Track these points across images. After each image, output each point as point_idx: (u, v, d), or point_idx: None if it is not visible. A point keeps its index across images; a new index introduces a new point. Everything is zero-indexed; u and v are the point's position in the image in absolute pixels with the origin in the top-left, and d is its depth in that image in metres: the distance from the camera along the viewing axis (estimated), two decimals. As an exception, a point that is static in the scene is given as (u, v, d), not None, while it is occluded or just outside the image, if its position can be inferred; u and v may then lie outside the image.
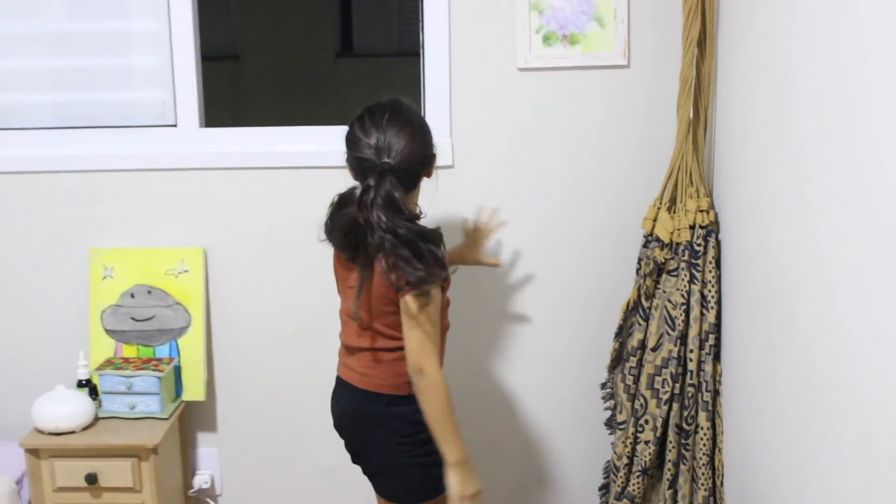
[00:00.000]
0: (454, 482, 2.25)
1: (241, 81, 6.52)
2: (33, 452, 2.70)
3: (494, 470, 3.05)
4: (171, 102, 2.92)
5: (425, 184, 2.34)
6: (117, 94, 3.00)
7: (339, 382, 2.45)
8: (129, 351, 2.92)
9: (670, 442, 2.70)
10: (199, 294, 2.91)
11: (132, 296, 2.92)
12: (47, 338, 3.01)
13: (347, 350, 2.41)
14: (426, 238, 2.22)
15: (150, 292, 2.92)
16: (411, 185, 2.27)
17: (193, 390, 2.92)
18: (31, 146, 2.94)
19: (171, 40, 2.88)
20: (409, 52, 3.06)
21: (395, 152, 2.21)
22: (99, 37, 2.96)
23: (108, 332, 2.93)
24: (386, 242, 2.16)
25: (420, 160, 2.28)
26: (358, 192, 2.21)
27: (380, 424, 2.35)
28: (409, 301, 2.21)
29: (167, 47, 2.89)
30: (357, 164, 2.25)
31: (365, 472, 2.46)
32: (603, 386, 2.91)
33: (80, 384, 2.84)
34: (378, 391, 2.34)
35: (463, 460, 2.26)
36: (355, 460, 2.46)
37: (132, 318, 2.92)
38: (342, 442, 2.45)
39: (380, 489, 2.46)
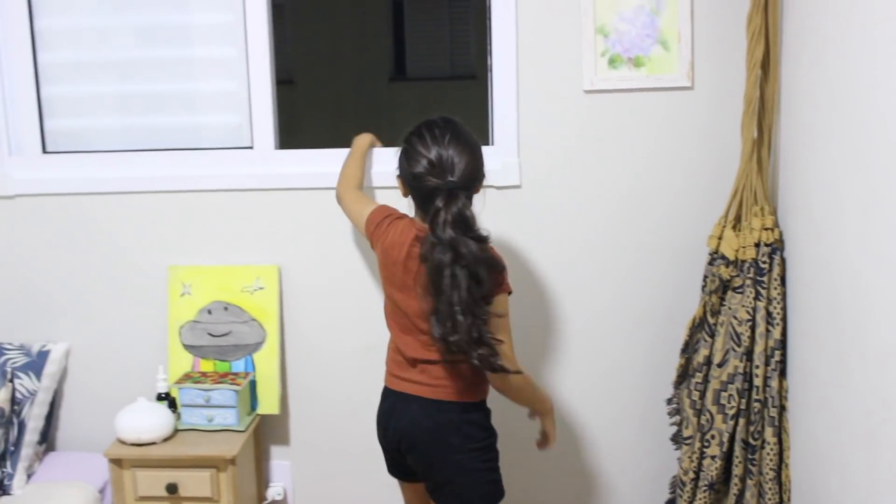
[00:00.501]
0: (551, 425, 2.57)
1: (296, 105, 6.63)
2: (116, 462, 2.80)
3: (558, 485, 3.10)
4: (248, 125, 3.03)
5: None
6: (195, 118, 3.12)
7: (400, 397, 2.47)
8: (206, 365, 3.01)
9: (737, 457, 2.72)
10: (273, 310, 3.01)
11: (209, 312, 3.02)
12: (128, 352, 3.11)
13: (410, 363, 2.44)
14: (488, 264, 2.28)
15: (226, 309, 3.02)
16: (469, 203, 2.33)
17: (268, 404, 3.01)
18: (114, 168, 3.07)
19: (248, 65, 2.99)
20: (461, 75, 3.12)
21: (457, 170, 2.28)
22: (180, 63, 3.09)
23: (185, 347, 3.03)
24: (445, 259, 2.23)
25: (478, 177, 2.37)
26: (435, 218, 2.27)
27: (455, 433, 2.40)
28: (501, 301, 2.31)
29: (244, 72, 3.00)
30: (414, 180, 2.32)
31: (430, 488, 2.48)
32: (669, 401, 2.94)
33: (160, 397, 2.94)
34: (452, 399, 2.40)
35: (553, 407, 2.57)
36: (424, 475, 2.48)
37: (209, 334, 3.02)
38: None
39: (449, 500, 2.48)
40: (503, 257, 2.40)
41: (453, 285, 2.24)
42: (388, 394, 2.51)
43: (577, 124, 2.90)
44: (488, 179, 2.85)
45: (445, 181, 2.27)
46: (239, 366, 3.01)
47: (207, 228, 3.05)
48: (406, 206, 2.49)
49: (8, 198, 3.07)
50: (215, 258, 3.05)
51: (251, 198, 3.02)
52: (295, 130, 6.00)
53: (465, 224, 2.26)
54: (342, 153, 2.98)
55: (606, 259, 2.97)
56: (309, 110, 6.43)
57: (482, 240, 2.29)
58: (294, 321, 3.05)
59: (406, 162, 2.36)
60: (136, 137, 3.13)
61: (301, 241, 3.01)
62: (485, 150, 2.87)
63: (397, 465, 2.56)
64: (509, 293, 2.40)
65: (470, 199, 2.33)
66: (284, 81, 6.41)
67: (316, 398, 3.10)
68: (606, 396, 3.05)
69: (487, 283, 2.27)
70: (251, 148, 3.04)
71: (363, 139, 2.88)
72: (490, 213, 2.91)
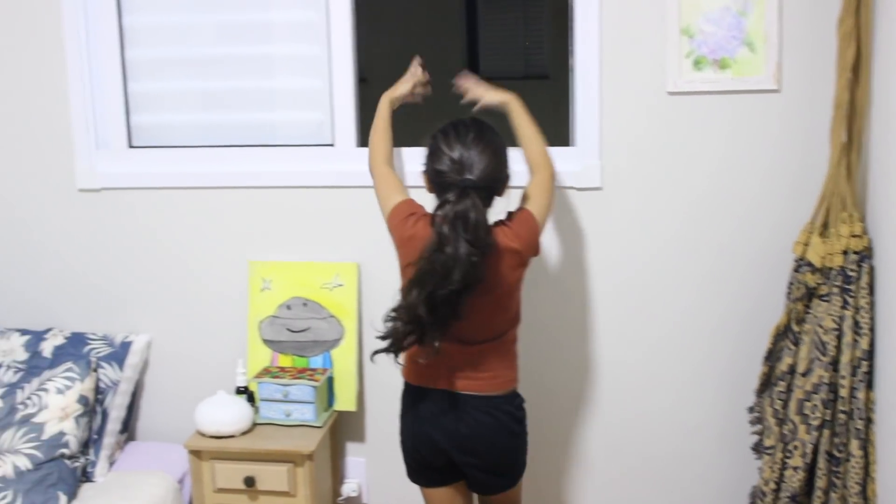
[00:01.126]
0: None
1: (369, 103, 6.67)
2: (196, 454, 2.83)
3: (637, 494, 3.07)
4: (329, 123, 3.04)
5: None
6: (276, 115, 3.15)
7: (453, 399, 2.46)
8: (285, 361, 3.04)
9: (820, 469, 2.66)
10: (352, 307, 3.02)
11: (288, 307, 3.05)
12: (209, 346, 3.16)
13: (449, 354, 2.40)
14: (471, 272, 2.26)
15: (305, 305, 3.04)
16: (488, 202, 2.36)
17: (345, 400, 3.02)
18: (197, 163, 3.11)
19: (331, 63, 3.00)
20: (534, 75, 3.09)
21: (476, 170, 2.31)
22: (262, 59, 3.12)
23: (265, 341, 3.05)
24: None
25: (499, 179, 2.40)
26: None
27: (515, 422, 2.48)
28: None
29: (326, 69, 3.02)
30: (436, 176, 2.37)
31: (477, 484, 2.54)
32: (750, 410, 2.89)
33: (239, 391, 2.97)
34: (507, 390, 2.48)
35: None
36: (477, 475, 2.50)
37: (288, 329, 3.04)
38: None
39: (504, 484, 2.54)
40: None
41: (423, 280, 2.27)
42: (439, 395, 2.48)
43: (660, 127, 2.86)
44: (569, 181, 2.86)
45: (462, 178, 2.30)
46: (317, 362, 3.03)
47: (288, 224, 3.07)
48: (431, 201, 2.48)
49: (94, 191, 3.13)
50: (295, 254, 3.07)
51: (332, 195, 3.03)
52: (368, 128, 6.03)
53: (465, 223, 2.26)
54: (421, 152, 2.98)
55: (688, 264, 2.92)
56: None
57: (478, 244, 2.27)
58: (372, 318, 3.05)
59: (430, 158, 2.41)
60: (219, 133, 3.16)
61: (381, 239, 3.00)
62: (564, 151, 2.89)
63: (429, 471, 2.56)
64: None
65: (488, 200, 2.36)
66: (358, 79, 6.45)
67: (393, 395, 3.07)
68: (685, 403, 3.01)
69: (454, 283, 2.24)
70: (332, 145, 3.05)
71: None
72: (569, 214, 2.91)
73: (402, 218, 2.48)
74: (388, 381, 3.08)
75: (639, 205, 2.91)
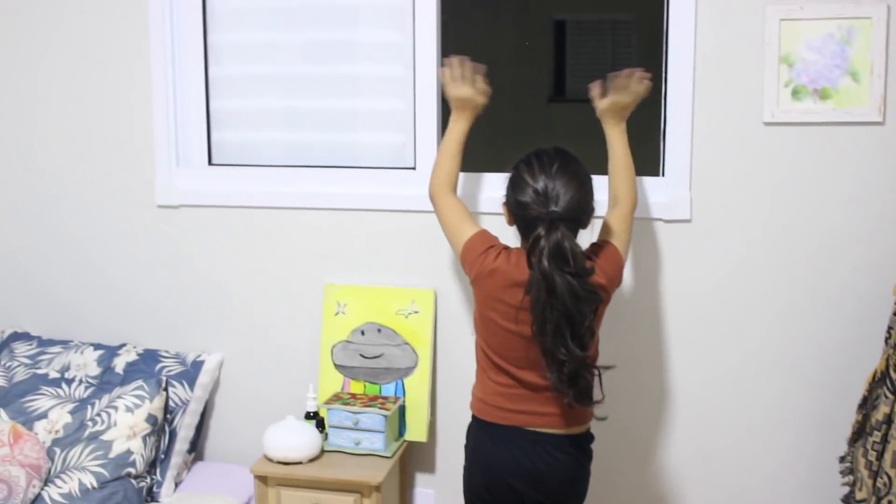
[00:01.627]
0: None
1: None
2: (262, 479, 2.77)
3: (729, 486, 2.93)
4: (412, 145, 2.97)
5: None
6: (358, 136, 3.09)
7: (531, 437, 2.37)
8: (356, 387, 2.97)
9: (917, 527, 2.50)
10: (427, 335, 2.94)
11: (362, 333, 2.98)
12: (280, 368, 3.10)
13: (534, 390, 2.35)
14: (590, 300, 2.24)
15: (379, 331, 2.97)
16: (574, 235, 2.27)
17: (416, 431, 2.94)
18: (277, 183, 3.06)
19: (415, 84, 2.94)
20: None
21: (562, 201, 2.23)
22: (345, 79, 3.06)
23: (337, 366, 2.99)
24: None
25: (585, 211, 2.32)
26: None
27: (588, 460, 2.44)
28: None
29: (410, 91, 2.95)
30: (519, 208, 2.30)
31: None
32: (842, 460, 2.73)
33: (308, 416, 2.91)
34: (586, 427, 2.42)
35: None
36: None
37: (361, 355, 2.97)
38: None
39: None
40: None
41: (546, 327, 2.22)
42: (514, 433, 2.39)
43: (755, 158, 2.73)
44: (656, 212, 2.75)
45: (548, 211, 2.22)
46: (389, 389, 2.95)
47: (365, 248, 3.01)
48: (512, 235, 2.43)
49: (173, 207, 3.11)
50: (371, 278, 3.01)
51: (411, 219, 2.96)
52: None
53: (563, 256, 2.19)
54: (502, 178, 2.89)
55: (779, 302, 2.77)
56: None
57: (583, 273, 2.21)
58: (447, 347, 2.97)
59: (513, 189, 2.34)
60: (300, 153, 3.12)
61: (458, 266, 2.93)
62: (653, 181, 2.78)
63: None
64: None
65: (575, 232, 2.28)
66: (442, 102, 6.40)
67: (465, 428, 3.00)
68: (769, 447, 2.84)
69: (588, 317, 2.24)
70: (414, 168, 2.98)
71: (458, 124, 2.67)
72: (657, 246, 2.79)
73: (480, 252, 2.40)
74: (460, 414, 2.98)
75: (729, 239, 2.77)
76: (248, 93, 3.13)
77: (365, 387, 2.97)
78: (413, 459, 3.06)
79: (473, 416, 2.48)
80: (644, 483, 2.92)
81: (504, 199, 2.37)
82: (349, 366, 2.98)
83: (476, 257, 2.40)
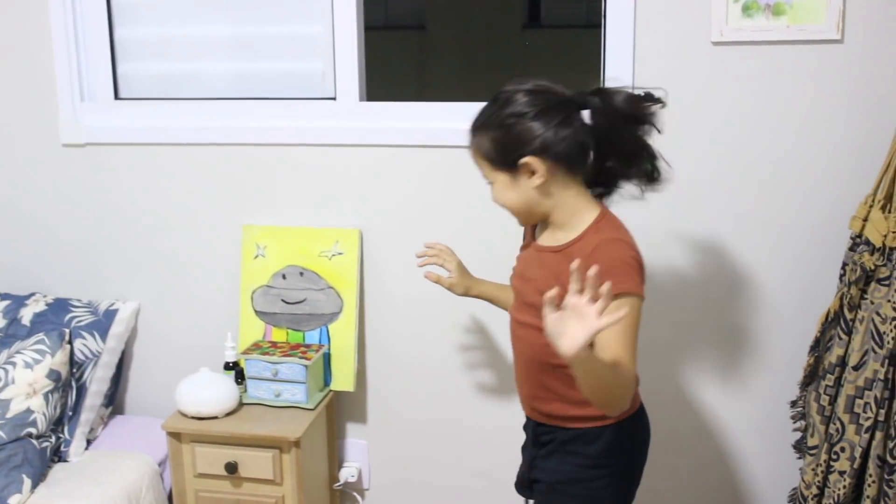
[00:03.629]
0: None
1: (427, 52, 6.33)
2: (175, 436, 2.54)
3: (669, 490, 2.71)
4: (331, 73, 2.69)
5: None
6: (275, 65, 2.79)
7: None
8: (279, 335, 2.72)
9: (870, 475, 2.28)
10: (352, 278, 2.69)
11: (283, 277, 2.73)
12: (199, 316, 2.85)
13: None
14: None
15: (301, 274, 2.72)
16: None
17: (343, 380, 2.70)
18: (188, 118, 2.77)
19: (333, 8, 2.64)
20: (597, 23, 2.79)
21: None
22: (261, 3, 2.75)
23: (257, 313, 2.74)
24: None
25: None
26: None
27: None
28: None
29: (328, 14, 2.65)
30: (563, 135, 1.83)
31: None
32: (793, 404, 2.51)
33: (227, 366, 2.67)
34: None
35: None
36: None
37: (283, 301, 2.73)
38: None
39: None
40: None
41: None
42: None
43: (703, 82, 2.45)
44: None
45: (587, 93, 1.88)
46: (313, 336, 2.71)
47: (285, 186, 2.74)
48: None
49: (79, 146, 2.82)
50: (292, 219, 2.74)
51: (333, 153, 2.69)
52: (427, 78, 5.69)
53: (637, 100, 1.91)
54: (434, 107, 2.62)
55: (733, 237, 2.53)
56: (440, 57, 6.11)
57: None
58: (374, 291, 2.72)
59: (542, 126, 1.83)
60: (213, 85, 2.82)
61: (385, 204, 2.67)
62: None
63: None
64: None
65: None
66: (415, 27, 6.11)
67: (396, 375, 2.78)
68: (722, 392, 2.63)
69: None
70: (334, 99, 2.70)
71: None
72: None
73: (640, 265, 1.86)
74: (391, 360, 2.77)
75: (675, 171, 2.51)
76: (153, 20, 2.81)
77: (288, 334, 2.72)
78: (343, 409, 2.83)
79: (636, 412, 2.03)
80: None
81: (530, 152, 1.83)
82: (270, 312, 2.73)
83: (643, 273, 1.86)
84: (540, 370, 1.91)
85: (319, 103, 2.71)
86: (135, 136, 2.78)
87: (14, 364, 2.52)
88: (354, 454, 2.85)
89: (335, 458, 2.81)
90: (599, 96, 1.87)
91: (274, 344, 2.67)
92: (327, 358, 2.69)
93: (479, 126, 1.89)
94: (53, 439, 2.57)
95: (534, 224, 1.98)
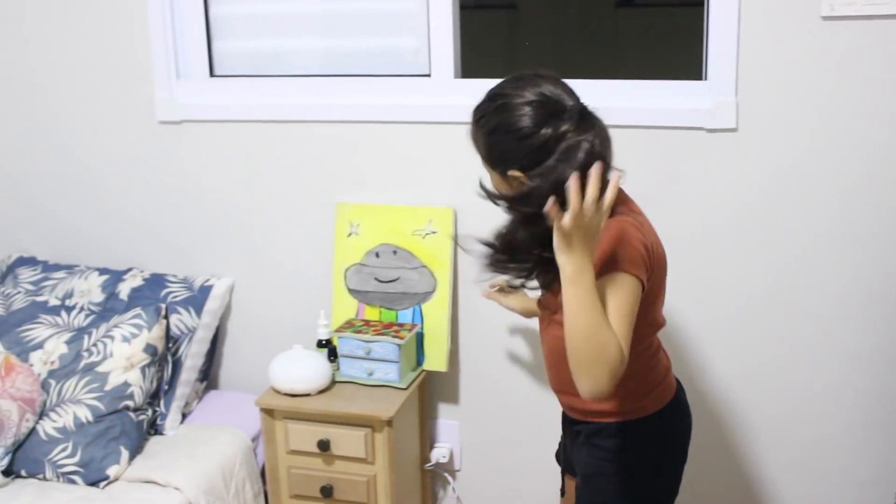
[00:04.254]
0: None
1: (518, 31, 6.21)
2: (268, 413, 2.53)
3: (773, 483, 2.62)
4: (426, 49, 2.63)
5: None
6: (371, 41, 2.75)
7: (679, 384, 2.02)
8: (371, 313, 2.70)
9: None
10: (446, 257, 2.64)
11: (377, 255, 2.70)
12: (292, 293, 2.83)
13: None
14: None
15: (395, 253, 2.69)
16: None
17: (435, 360, 2.66)
18: (284, 95, 2.75)
19: (428, -17, 2.59)
20: (690, 2, 2.68)
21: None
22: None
23: (350, 291, 2.72)
24: None
25: None
26: None
27: None
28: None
29: (424, -9, 2.61)
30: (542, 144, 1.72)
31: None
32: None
33: (320, 344, 2.65)
34: None
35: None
36: None
37: (376, 279, 2.69)
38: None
39: None
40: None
41: None
42: (678, 393, 1.99)
43: (812, 59, 2.33)
44: (697, 121, 2.44)
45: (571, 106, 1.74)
46: (406, 315, 2.67)
47: (379, 164, 2.70)
48: None
49: (175, 123, 2.82)
50: (386, 197, 2.70)
51: (427, 131, 2.63)
52: (518, 57, 5.59)
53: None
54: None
55: (837, 222, 2.40)
56: (531, 36, 6.00)
57: None
58: (467, 270, 2.66)
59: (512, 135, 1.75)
60: (308, 61, 2.80)
61: (478, 181, 2.60)
62: (695, 85, 2.46)
63: None
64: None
65: None
66: (506, 6, 6.00)
67: (490, 356, 2.72)
68: (834, 385, 2.51)
69: None
70: (429, 76, 2.65)
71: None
72: (696, 160, 2.44)
73: (646, 247, 1.76)
74: (482, 339, 2.72)
75: (780, 149, 2.40)
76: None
77: (381, 313, 2.69)
78: (436, 389, 2.79)
79: (664, 408, 1.94)
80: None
81: (518, 168, 1.75)
82: (363, 290, 2.70)
83: (647, 255, 1.75)
84: (564, 362, 1.71)
85: (414, 80, 2.67)
86: (229, 113, 2.77)
87: (112, 338, 2.53)
88: (446, 435, 2.81)
89: (427, 438, 2.78)
90: (596, 128, 1.74)
91: (367, 322, 2.64)
92: (420, 337, 2.65)
93: (474, 121, 1.83)
94: (150, 412, 2.59)
95: None
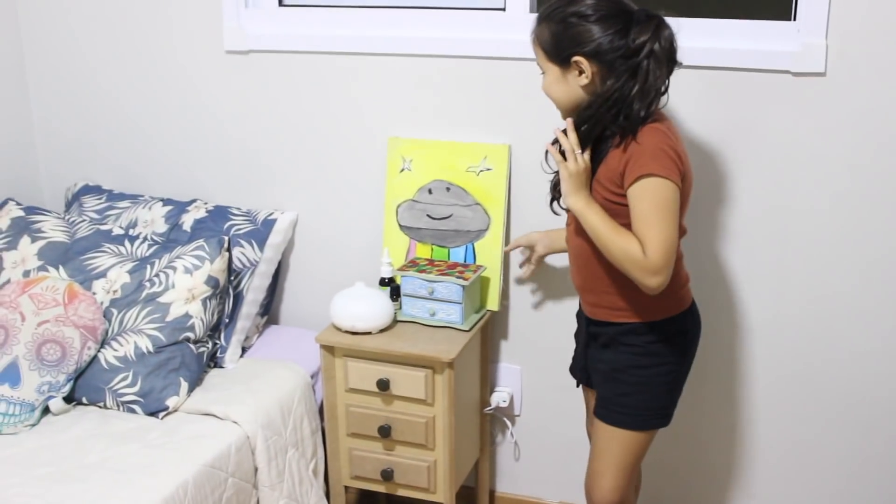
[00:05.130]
0: None
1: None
2: (328, 350, 2.48)
3: (820, 485, 2.53)
4: (501, -17, 2.52)
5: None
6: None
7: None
8: (423, 250, 2.62)
9: None
10: (500, 195, 2.55)
11: (430, 191, 2.61)
12: (350, 229, 2.77)
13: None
14: None
15: (448, 189, 2.60)
16: None
17: (489, 300, 2.59)
18: (350, 25, 2.65)
19: None
20: None
21: None
22: None
23: (402, 227, 2.64)
24: None
25: None
26: None
27: None
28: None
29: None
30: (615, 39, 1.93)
31: None
32: None
33: (383, 282, 2.59)
34: None
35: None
36: None
37: (428, 216, 2.61)
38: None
39: None
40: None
41: None
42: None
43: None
44: (783, 63, 2.30)
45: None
46: (458, 254, 2.60)
47: (434, 98, 2.60)
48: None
49: (242, 53, 2.74)
50: (440, 132, 2.61)
51: (498, 67, 2.52)
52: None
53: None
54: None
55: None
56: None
57: None
58: (521, 209, 2.57)
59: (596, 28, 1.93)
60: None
61: (535, 119, 2.49)
62: (782, 26, 2.33)
63: None
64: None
65: None
66: None
67: (544, 296, 2.64)
68: (888, 380, 2.40)
69: None
70: (503, 10, 2.54)
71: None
72: (781, 106, 2.31)
73: (680, 152, 1.94)
74: (535, 281, 2.63)
75: (871, 98, 2.25)
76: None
77: (432, 250, 2.62)
78: (498, 331, 2.72)
79: (687, 309, 2.11)
80: (740, 383, 2.53)
81: (582, 53, 1.92)
82: (415, 227, 2.63)
83: (679, 164, 1.91)
84: (594, 263, 2.03)
85: (488, 13, 2.55)
86: (298, 44, 2.68)
87: (174, 269, 2.50)
88: (507, 379, 2.74)
89: (487, 382, 2.71)
90: (658, 24, 1.90)
91: (431, 262, 2.57)
92: (483, 280, 2.58)
93: (543, 17, 1.99)
94: (210, 345, 2.56)
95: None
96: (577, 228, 2.04)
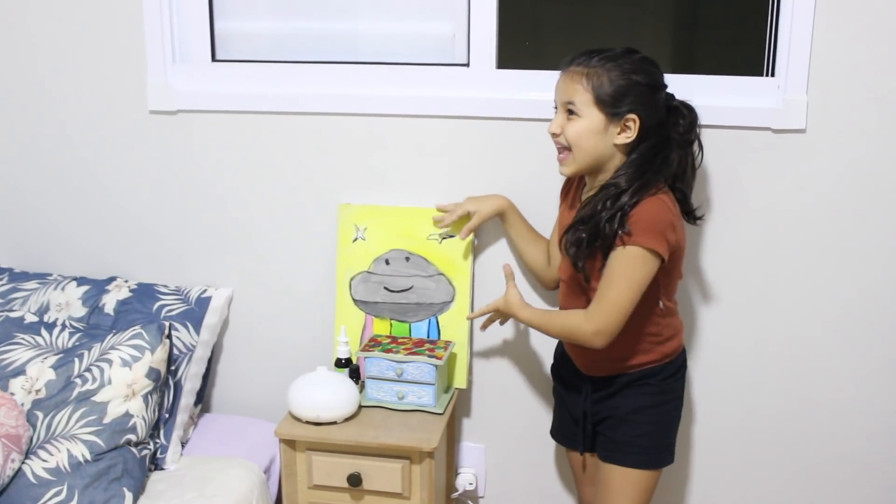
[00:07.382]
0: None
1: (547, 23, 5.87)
2: (289, 444, 2.18)
3: (799, 492, 2.42)
4: (464, 37, 2.32)
5: None
6: (397, 26, 2.42)
7: None
8: (381, 327, 2.37)
9: None
10: (465, 264, 2.34)
11: (387, 262, 2.37)
12: (294, 305, 2.49)
13: None
14: None
15: (407, 259, 2.37)
16: None
17: (455, 377, 2.37)
18: (292, 82, 2.39)
19: (467, -37, 2.27)
20: None
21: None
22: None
23: (356, 302, 2.39)
24: None
25: None
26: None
27: None
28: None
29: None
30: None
31: None
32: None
33: (339, 364, 2.32)
34: None
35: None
36: None
37: (386, 289, 2.37)
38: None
39: None
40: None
41: None
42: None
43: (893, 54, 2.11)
44: (763, 120, 2.21)
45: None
46: (420, 328, 2.36)
47: (389, 161, 2.38)
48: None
49: (169, 113, 2.43)
50: (396, 198, 2.38)
51: (461, 127, 2.32)
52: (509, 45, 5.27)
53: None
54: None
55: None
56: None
57: None
58: (487, 278, 2.36)
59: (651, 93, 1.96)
60: (323, 46, 2.45)
61: (502, 181, 2.30)
62: (761, 82, 2.22)
63: None
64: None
65: None
66: None
67: (506, 372, 2.44)
68: (871, 396, 2.32)
69: None
70: (467, 65, 2.33)
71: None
72: (762, 162, 2.21)
73: (672, 234, 1.95)
74: (497, 352, 2.44)
75: (853, 156, 2.17)
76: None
77: (391, 325, 2.37)
78: (458, 410, 2.49)
79: (675, 358, 2.11)
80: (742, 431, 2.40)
81: (639, 113, 1.92)
82: (371, 301, 2.38)
83: (671, 236, 1.94)
84: None
85: (450, 70, 2.35)
86: (233, 103, 2.40)
87: (110, 362, 2.14)
88: (471, 459, 2.51)
89: (453, 466, 2.48)
90: (684, 106, 2.00)
91: (394, 339, 2.32)
92: (453, 357, 2.35)
93: (607, 59, 1.91)
94: (151, 446, 2.21)
95: (580, 176, 2.05)
96: (567, 297, 2.09)
